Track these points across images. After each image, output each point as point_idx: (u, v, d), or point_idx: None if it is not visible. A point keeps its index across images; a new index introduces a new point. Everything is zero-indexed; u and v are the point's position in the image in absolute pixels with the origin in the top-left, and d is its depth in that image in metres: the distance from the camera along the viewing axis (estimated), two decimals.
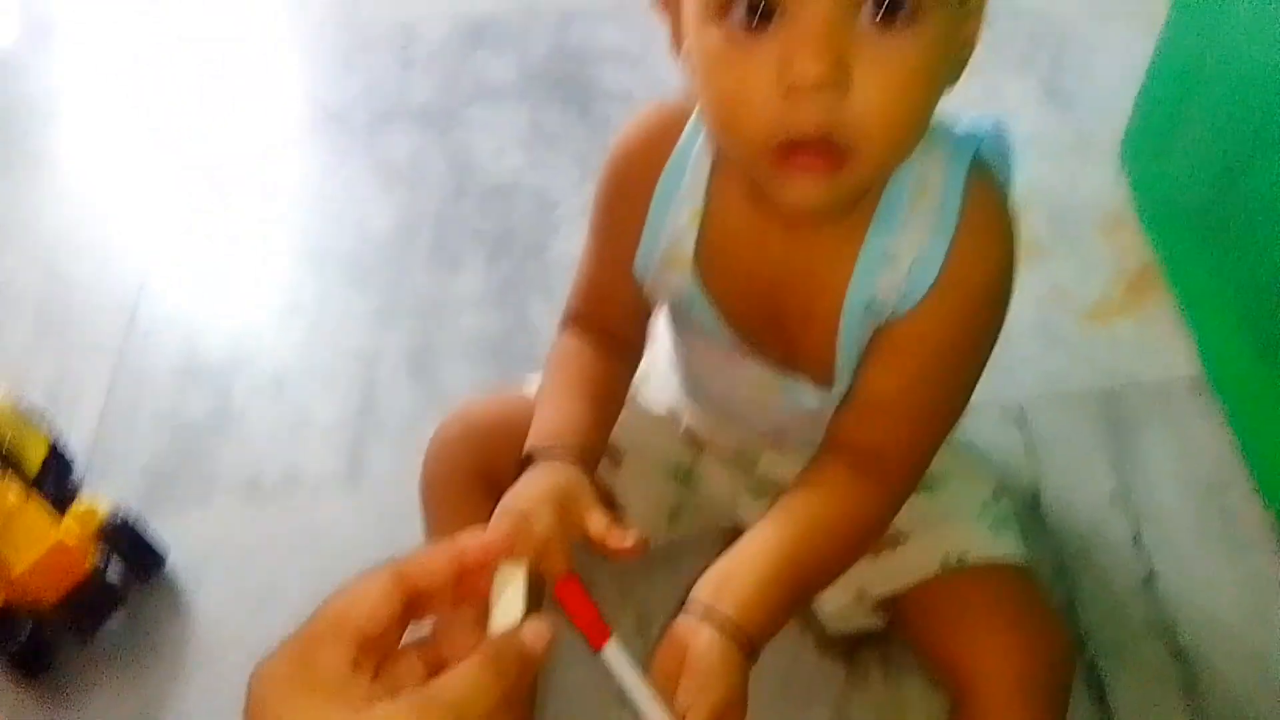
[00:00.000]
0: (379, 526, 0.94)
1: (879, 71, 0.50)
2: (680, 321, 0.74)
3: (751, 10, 0.50)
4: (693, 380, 0.80)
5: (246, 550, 0.94)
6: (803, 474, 0.65)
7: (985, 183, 0.61)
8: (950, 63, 0.54)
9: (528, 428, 0.66)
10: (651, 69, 1.34)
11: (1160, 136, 1.06)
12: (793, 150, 0.52)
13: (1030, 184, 1.15)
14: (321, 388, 1.06)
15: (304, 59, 1.45)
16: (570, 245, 1.14)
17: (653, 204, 0.65)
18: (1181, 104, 1.01)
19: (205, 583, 0.93)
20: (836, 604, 0.79)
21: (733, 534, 0.64)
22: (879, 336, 0.63)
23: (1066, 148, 1.21)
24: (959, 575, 0.73)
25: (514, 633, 0.44)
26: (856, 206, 0.60)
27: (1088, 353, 1.02)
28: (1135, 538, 0.88)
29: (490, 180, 1.25)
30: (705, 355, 0.75)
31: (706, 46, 0.53)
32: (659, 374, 0.83)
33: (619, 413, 0.71)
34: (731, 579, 0.57)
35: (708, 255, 0.66)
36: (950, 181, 0.59)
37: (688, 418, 0.83)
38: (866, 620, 0.79)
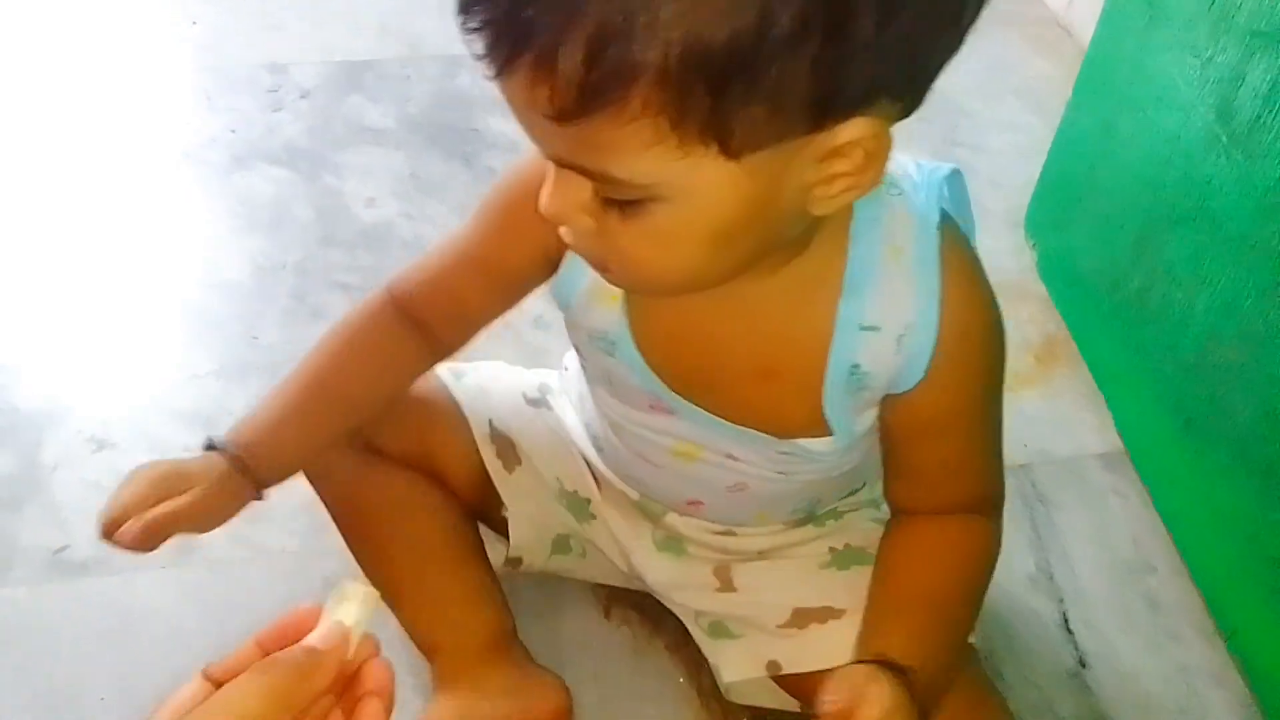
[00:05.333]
0: (206, 612, 0.80)
1: (617, 240, 0.48)
2: (596, 365, 0.67)
3: None
4: (602, 430, 0.73)
5: (46, 636, 0.80)
6: (892, 539, 0.66)
7: (955, 238, 0.58)
8: (756, 221, 0.47)
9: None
10: None
11: (1067, 207, 1.04)
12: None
13: None
14: (149, 451, 0.92)
15: (162, 96, 1.33)
16: None
17: None
18: (1089, 174, 0.99)
19: None
20: (740, 674, 0.72)
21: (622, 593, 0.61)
22: (900, 410, 0.61)
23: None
24: None
25: (296, 643, 0.44)
26: (805, 266, 0.55)
27: None
28: (1063, 623, 0.82)
29: (360, 229, 1.15)
30: (623, 406, 0.68)
31: None
32: (574, 392, 0.78)
33: (374, 408, 0.70)
34: (887, 634, 0.60)
35: (639, 299, 0.61)
36: (922, 244, 0.56)
37: (591, 454, 0.77)
38: (774, 700, 0.72)
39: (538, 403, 0.79)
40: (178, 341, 1.02)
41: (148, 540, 0.59)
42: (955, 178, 0.60)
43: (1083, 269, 1.02)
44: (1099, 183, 0.98)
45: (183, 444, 0.93)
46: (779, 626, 0.70)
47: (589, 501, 0.77)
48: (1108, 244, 0.96)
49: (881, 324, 0.57)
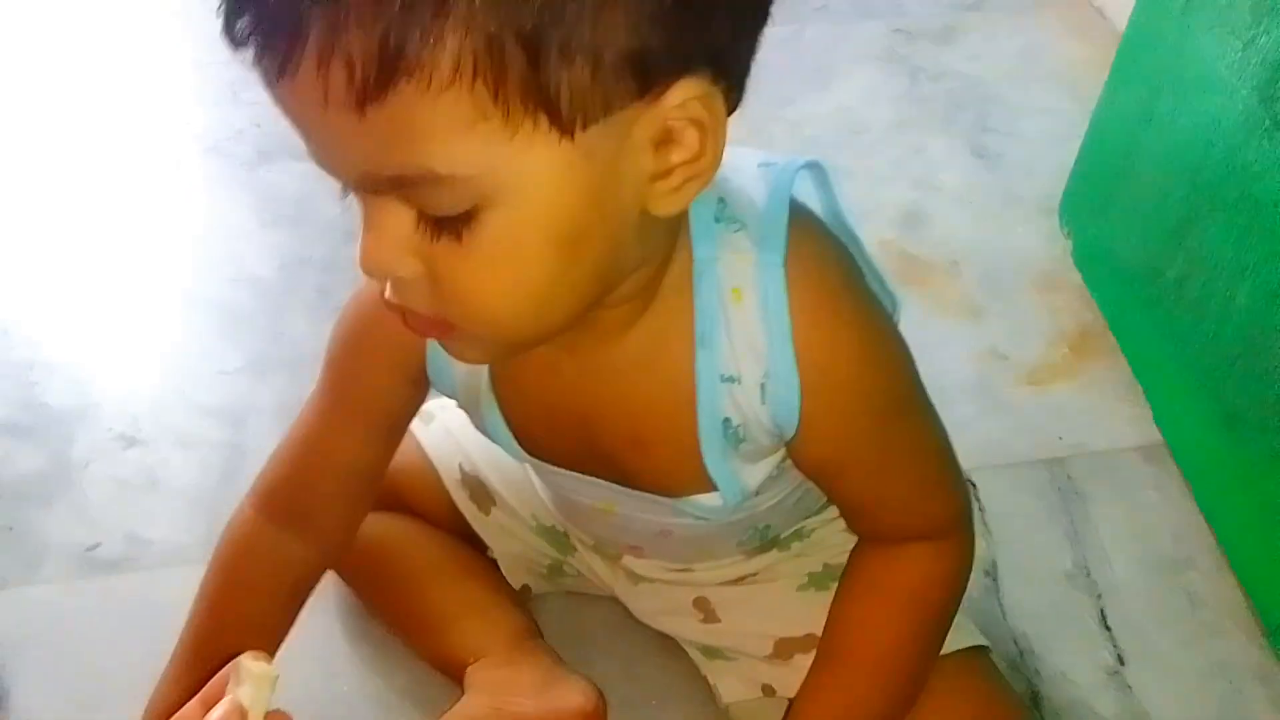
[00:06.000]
0: None
1: (450, 276, 0.42)
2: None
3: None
4: (539, 482, 0.72)
5: (77, 633, 0.80)
6: (855, 570, 0.63)
7: (808, 261, 0.51)
8: (596, 221, 0.42)
9: None
10: None
11: (1103, 194, 1.02)
12: (393, 307, 0.46)
13: (961, 243, 1.12)
14: (177, 447, 0.92)
15: (186, 90, 1.33)
16: None
17: (430, 347, 0.57)
18: (1126, 160, 0.97)
19: (21, 671, 0.78)
20: (737, 696, 0.71)
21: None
22: (797, 455, 0.57)
23: (997, 207, 1.16)
24: None
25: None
26: (652, 321, 0.51)
27: (1030, 418, 0.95)
28: (1102, 618, 0.80)
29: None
30: (532, 460, 0.65)
31: None
32: None
33: (281, 631, 0.64)
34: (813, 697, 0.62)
35: (508, 386, 0.58)
36: (765, 278, 0.50)
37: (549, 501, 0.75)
38: (777, 718, 0.69)
39: None
40: (205, 337, 1.02)
41: None
42: (815, 171, 0.55)
43: (1120, 257, 0.99)
44: (1136, 168, 0.95)
45: (211, 439, 0.93)
46: (765, 658, 0.69)
47: (566, 534, 0.76)
48: (1146, 231, 0.94)
49: (739, 374, 0.52)
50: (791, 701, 0.64)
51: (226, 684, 0.45)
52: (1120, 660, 0.78)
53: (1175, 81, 0.88)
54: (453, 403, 0.79)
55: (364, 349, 0.59)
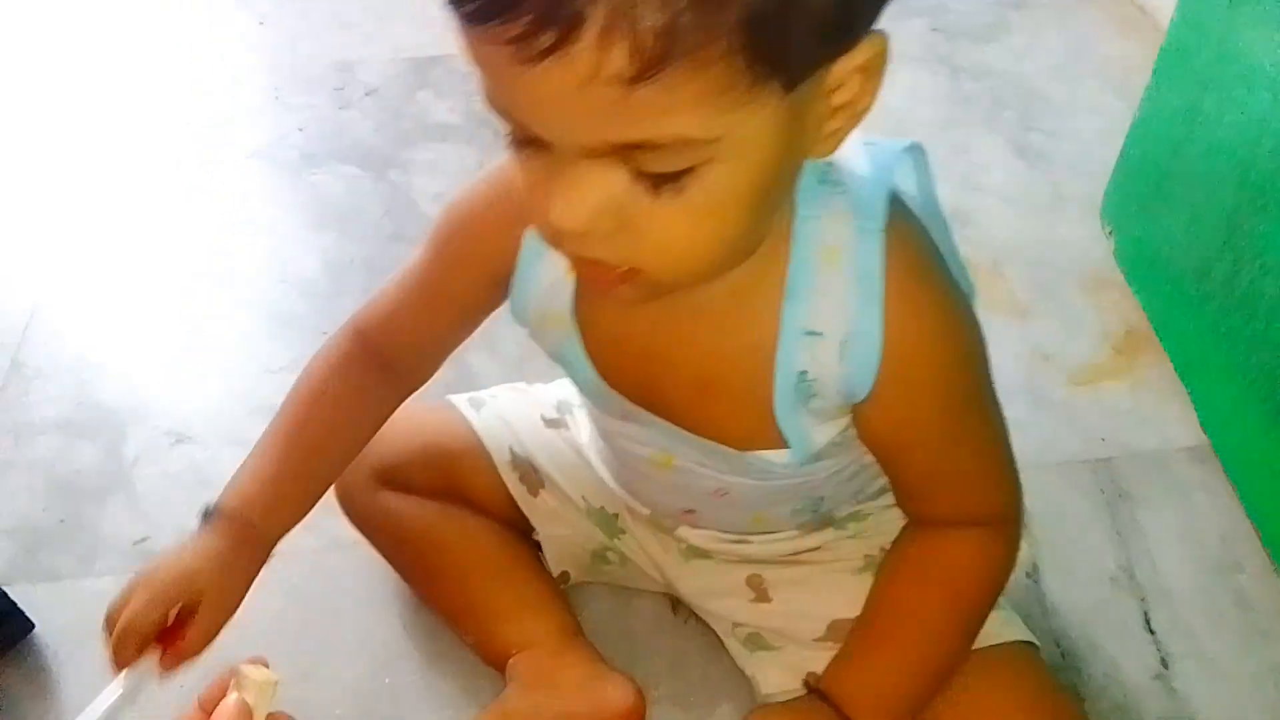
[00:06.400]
0: (287, 604, 0.81)
1: (656, 226, 0.43)
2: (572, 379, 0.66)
3: (519, 140, 0.44)
4: (599, 439, 0.73)
5: None
6: (891, 553, 0.65)
7: (905, 235, 0.53)
8: (787, 169, 0.46)
9: (424, 424, 0.77)
10: None
11: (1148, 192, 1.01)
12: (573, 258, 0.48)
13: (1006, 241, 1.11)
14: (227, 446, 0.94)
15: (233, 94, 1.36)
16: None
17: (520, 258, 0.59)
18: (1171, 158, 0.95)
19: (77, 662, 0.80)
20: (778, 687, 0.70)
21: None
22: (862, 422, 0.58)
23: (1041, 205, 1.16)
24: None
25: None
26: (749, 270, 0.52)
27: (1076, 418, 0.94)
28: (1145, 622, 0.79)
29: (428, 224, 1.14)
30: (601, 416, 0.68)
31: (509, 150, 0.46)
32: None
33: (353, 452, 0.69)
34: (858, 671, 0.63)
35: (589, 312, 0.59)
36: (863, 242, 0.52)
37: (603, 470, 0.76)
38: None
39: (556, 423, 0.79)
40: (253, 337, 1.04)
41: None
42: (915, 153, 0.56)
43: (1165, 256, 0.98)
44: (1182, 166, 0.94)
45: (258, 437, 0.94)
46: (815, 640, 0.69)
47: (617, 516, 0.77)
48: (1192, 229, 0.92)
49: (824, 329, 0.54)
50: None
51: (225, 690, 0.46)
52: (1164, 664, 0.77)
53: (1221, 77, 0.87)
54: (504, 389, 0.81)
55: (463, 245, 0.61)
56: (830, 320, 0.53)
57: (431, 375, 0.69)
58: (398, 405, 0.70)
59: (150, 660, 0.59)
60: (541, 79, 0.37)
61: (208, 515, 0.63)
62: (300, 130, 1.29)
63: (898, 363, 0.53)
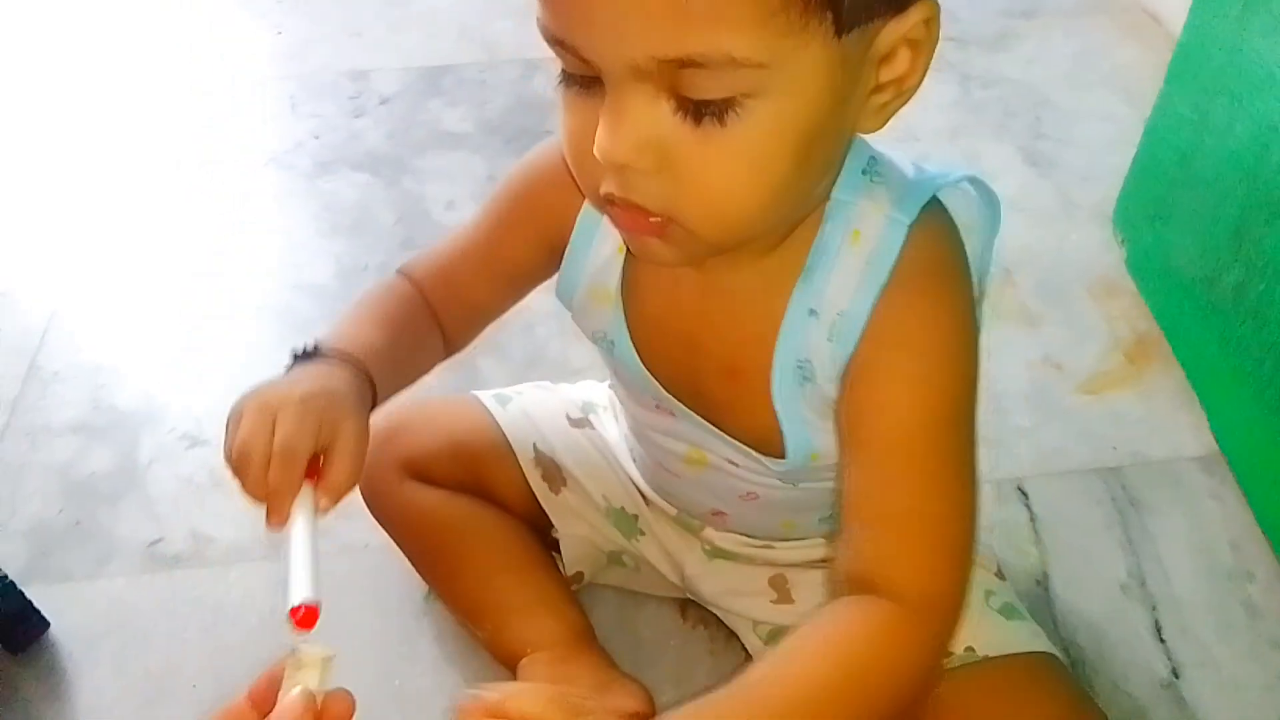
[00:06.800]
0: None
1: (696, 166, 0.44)
2: (609, 364, 0.67)
3: (570, 77, 0.46)
4: (632, 435, 0.73)
5: (142, 627, 0.82)
6: (815, 613, 0.53)
7: (934, 233, 0.53)
8: (832, 126, 0.46)
9: (449, 418, 0.77)
10: None
11: (1159, 200, 1.01)
12: (612, 203, 0.48)
13: (1016, 249, 1.11)
14: None
15: (247, 103, 1.37)
16: (526, 301, 1.06)
17: (576, 229, 0.60)
18: (1182, 165, 0.95)
19: (91, 662, 0.80)
20: None
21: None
22: (839, 407, 0.55)
23: (1051, 213, 1.15)
24: (977, 669, 0.63)
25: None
26: (780, 252, 0.53)
27: (1087, 427, 0.94)
28: (1156, 630, 0.79)
29: (441, 232, 1.15)
30: (636, 408, 0.68)
31: (560, 94, 0.48)
32: (615, 403, 0.77)
33: (416, 374, 0.66)
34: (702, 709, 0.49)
35: (633, 293, 0.60)
36: (889, 231, 0.52)
37: (633, 469, 0.76)
38: None
39: (581, 422, 0.79)
40: (266, 342, 1.05)
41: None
42: (979, 186, 0.55)
43: (1176, 263, 0.98)
44: (1193, 173, 0.94)
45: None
46: None
47: (636, 518, 0.77)
48: (1203, 237, 0.92)
49: (822, 308, 0.53)
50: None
51: (276, 684, 0.45)
52: (1175, 673, 0.77)
53: (1232, 85, 0.87)
54: (529, 387, 0.82)
55: (523, 208, 0.62)
56: (831, 300, 0.53)
57: (471, 338, 0.69)
58: (437, 363, 0.68)
59: (306, 495, 0.53)
60: None
61: (307, 353, 0.58)
62: (315, 138, 1.30)
63: (878, 346, 0.52)
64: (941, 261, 0.53)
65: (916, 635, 0.51)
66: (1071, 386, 0.97)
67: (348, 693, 0.46)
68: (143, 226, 1.19)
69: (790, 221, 0.52)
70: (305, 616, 0.47)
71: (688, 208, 0.45)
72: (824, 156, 0.48)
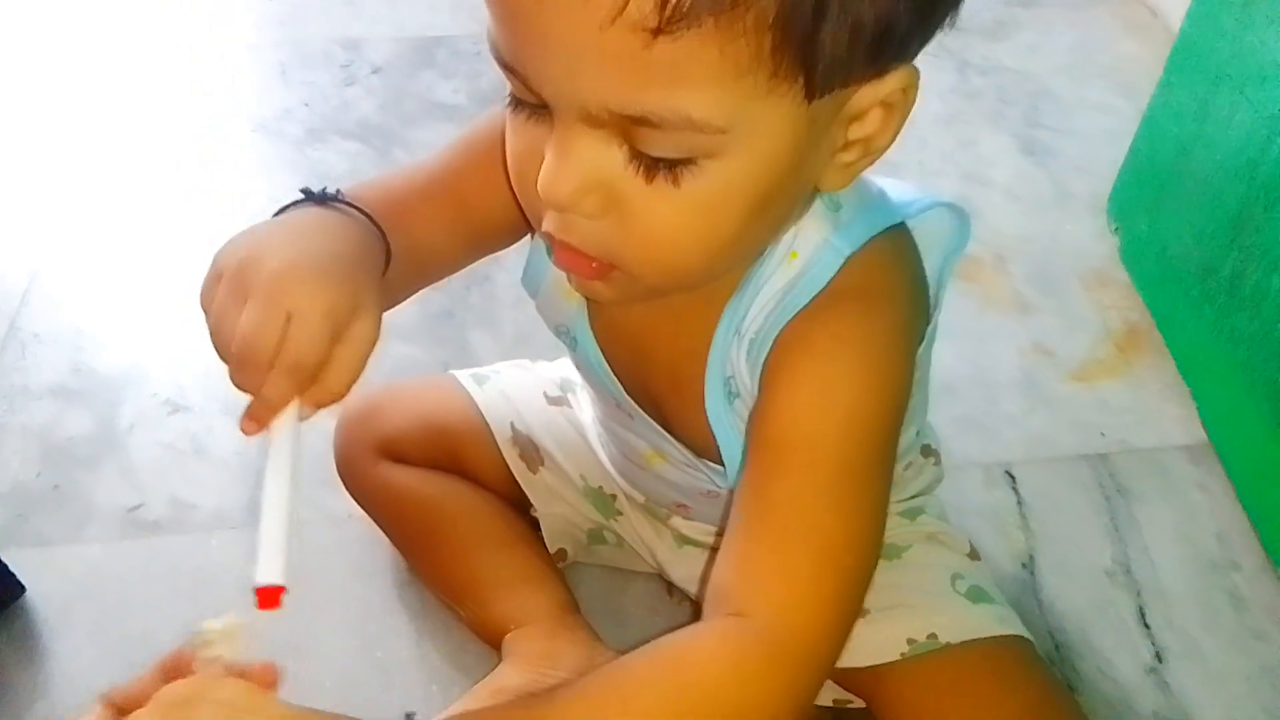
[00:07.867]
0: None
1: (643, 216, 0.42)
2: (572, 359, 0.66)
3: (520, 102, 0.43)
4: (598, 424, 0.73)
5: (120, 592, 0.81)
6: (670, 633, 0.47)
7: (881, 260, 0.50)
8: (790, 184, 0.43)
9: (426, 398, 0.77)
10: None
11: (1155, 191, 1.00)
12: (552, 239, 0.45)
13: (1009, 236, 1.11)
14: (222, 414, 0.93)
15: (237, 70, 1.35)
16: (515, 276, 1.05)
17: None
18: (1180, 156, 0.95)
19: (67, 626, 0.79)
20: None
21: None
22: (746, 431, 0.53)
23: (1046, 202, 1.15)
24: (939, 657, 0.63)
25: None
26: (729, 276, 0.51)
27: (1076, 415, 0.94)
28: (1140, 617, 0.79)
29: None
30: (599, 402, 0.67)
31: (508, 114, 0.45)
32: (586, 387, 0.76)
33: (432, 271, 0.58)
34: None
35: (595, 305, 0.58)
36: (824, 256, 0.49)
37: (602, 455, 0.76)
38: (827, 695, 0.70)
39: (559, 400, 0.79)
40: None
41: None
42: (953, 212, 0.54)
43: (1170, 254, 0.98)
44: (1191, 165, 0.94)
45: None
46: None
47: (614, 498, 0.77)
48: (1198, 228, 0.92)
49: (744, 328, 0.52)
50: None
51: (187, 659, 0.45)
52: (1159, 658, 0.77)
53: (1234, 75, 0.87)
54: (508, 366, 0.81)
55: (495, 170, 0.53)
56: (751, 319, 0.51)
57: (401, 299, 0.57)
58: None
59: (292, 406, 0.48)
60: (561, 15, 0.36)
61: (323, 195, 0.52)
62: (305, 105, 1.28)
63: (785, 351, 0.49)
64: (875, 288, 0.50)
65: (771, 673, 0.44)
66: (1062, 374, 0.97)
67: (275, 665, 0.45)
68: (127, 188, 1.18)
69: (740, 267, 0.49)
70: (268, 596, 0.45)
71: (631, 255, 0.43)
72: (779, 212, 0.45)
